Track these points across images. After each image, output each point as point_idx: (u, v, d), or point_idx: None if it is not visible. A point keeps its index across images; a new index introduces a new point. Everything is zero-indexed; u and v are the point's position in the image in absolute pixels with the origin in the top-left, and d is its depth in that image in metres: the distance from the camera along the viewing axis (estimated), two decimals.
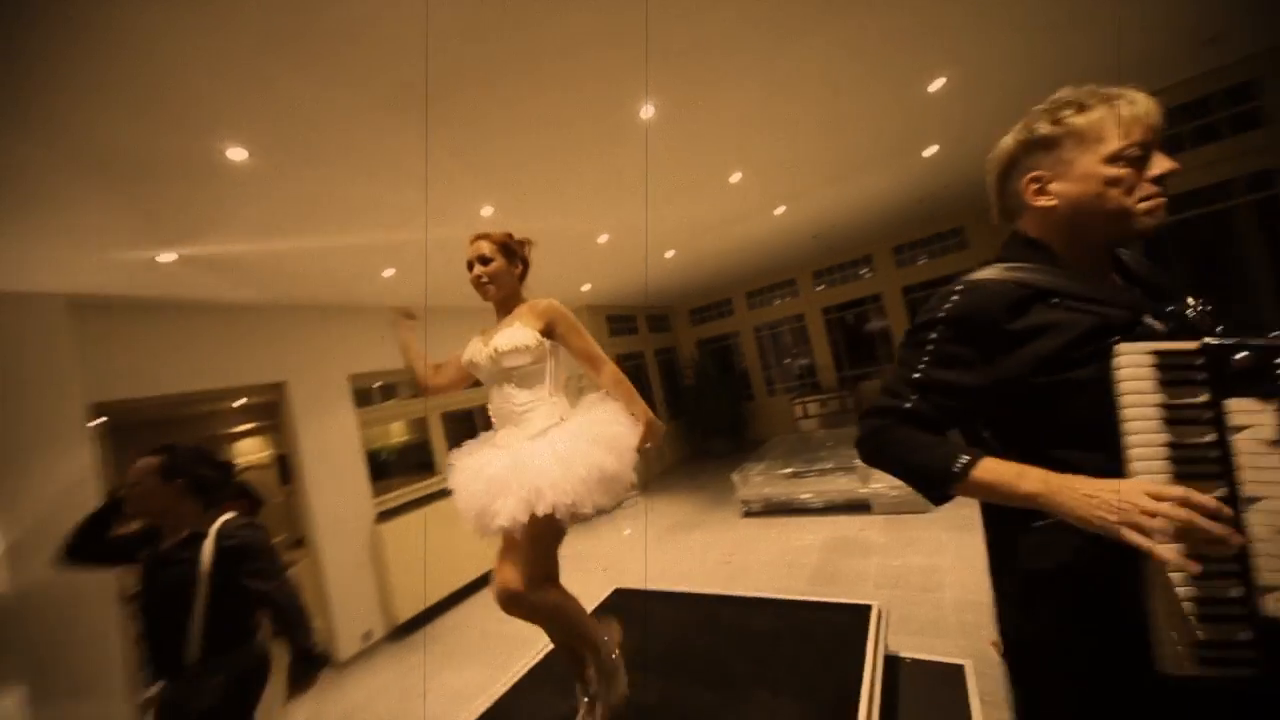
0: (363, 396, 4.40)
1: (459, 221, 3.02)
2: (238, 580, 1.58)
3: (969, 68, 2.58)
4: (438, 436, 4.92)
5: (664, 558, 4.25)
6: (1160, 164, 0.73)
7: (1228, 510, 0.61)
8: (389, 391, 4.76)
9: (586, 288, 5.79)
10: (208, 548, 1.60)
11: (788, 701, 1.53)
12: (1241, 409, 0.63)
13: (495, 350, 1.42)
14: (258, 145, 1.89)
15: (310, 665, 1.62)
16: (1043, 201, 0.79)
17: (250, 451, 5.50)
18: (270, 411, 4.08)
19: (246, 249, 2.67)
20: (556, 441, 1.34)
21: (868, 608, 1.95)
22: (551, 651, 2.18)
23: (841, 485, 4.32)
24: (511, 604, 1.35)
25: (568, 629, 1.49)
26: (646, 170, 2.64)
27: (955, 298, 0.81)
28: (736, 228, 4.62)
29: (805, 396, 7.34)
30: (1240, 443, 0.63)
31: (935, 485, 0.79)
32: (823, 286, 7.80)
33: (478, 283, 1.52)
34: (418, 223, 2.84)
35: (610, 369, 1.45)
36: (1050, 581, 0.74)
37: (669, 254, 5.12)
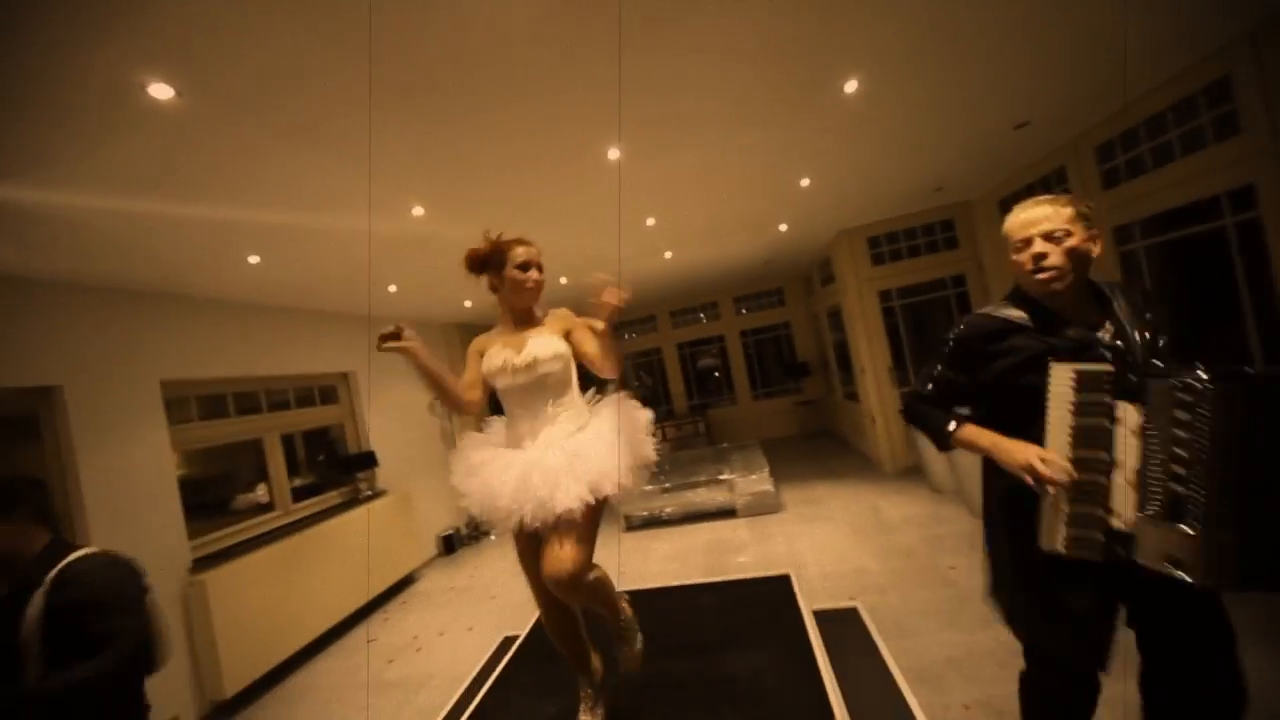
0: (181, 409, 3.43)
1: (389, 216, 2.78)
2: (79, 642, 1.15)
3: (827, 176, 3.55)
4: (276, 462, 4.05)
5: None
6: (1035, 248, 1.16)
7: (1068, 466, 1.07)
8: (217, 406, 3.77)
9: (468, 304, 5.56)
10: (37, 602, 1.15)
11: (755, 654, 1.86)
12: (1124, 409, 1.08)
13: (535, 359, 1.49)
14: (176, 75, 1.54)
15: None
16: (1015, 273, 1.24)
17: None
18: (26, 426, 2.88)
19: (60, 201, 1.98)
20: (603, 435, 1.47)
21: (786, 576, 2.43)
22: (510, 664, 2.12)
23: (712, 496, 4.96)
24: (573, 587, 1.40)
25: (607, 600, 1.57)
26: (620, 206, 2.88)
27: (960, 326, 1.27)
28: (631, 264, 5.10)
29: (663, 421, 8.09)
30: (1118, 429, 1.09)
31: (939, 441, 1.27)
32: (678, 326, 8.83)
33: (528, 285, 1.56)
34: (327, 205, 2.52)
35: (612, 357, 1.53)
36: (1005, 498, 1.24)
37: (562, 280, 5.31)
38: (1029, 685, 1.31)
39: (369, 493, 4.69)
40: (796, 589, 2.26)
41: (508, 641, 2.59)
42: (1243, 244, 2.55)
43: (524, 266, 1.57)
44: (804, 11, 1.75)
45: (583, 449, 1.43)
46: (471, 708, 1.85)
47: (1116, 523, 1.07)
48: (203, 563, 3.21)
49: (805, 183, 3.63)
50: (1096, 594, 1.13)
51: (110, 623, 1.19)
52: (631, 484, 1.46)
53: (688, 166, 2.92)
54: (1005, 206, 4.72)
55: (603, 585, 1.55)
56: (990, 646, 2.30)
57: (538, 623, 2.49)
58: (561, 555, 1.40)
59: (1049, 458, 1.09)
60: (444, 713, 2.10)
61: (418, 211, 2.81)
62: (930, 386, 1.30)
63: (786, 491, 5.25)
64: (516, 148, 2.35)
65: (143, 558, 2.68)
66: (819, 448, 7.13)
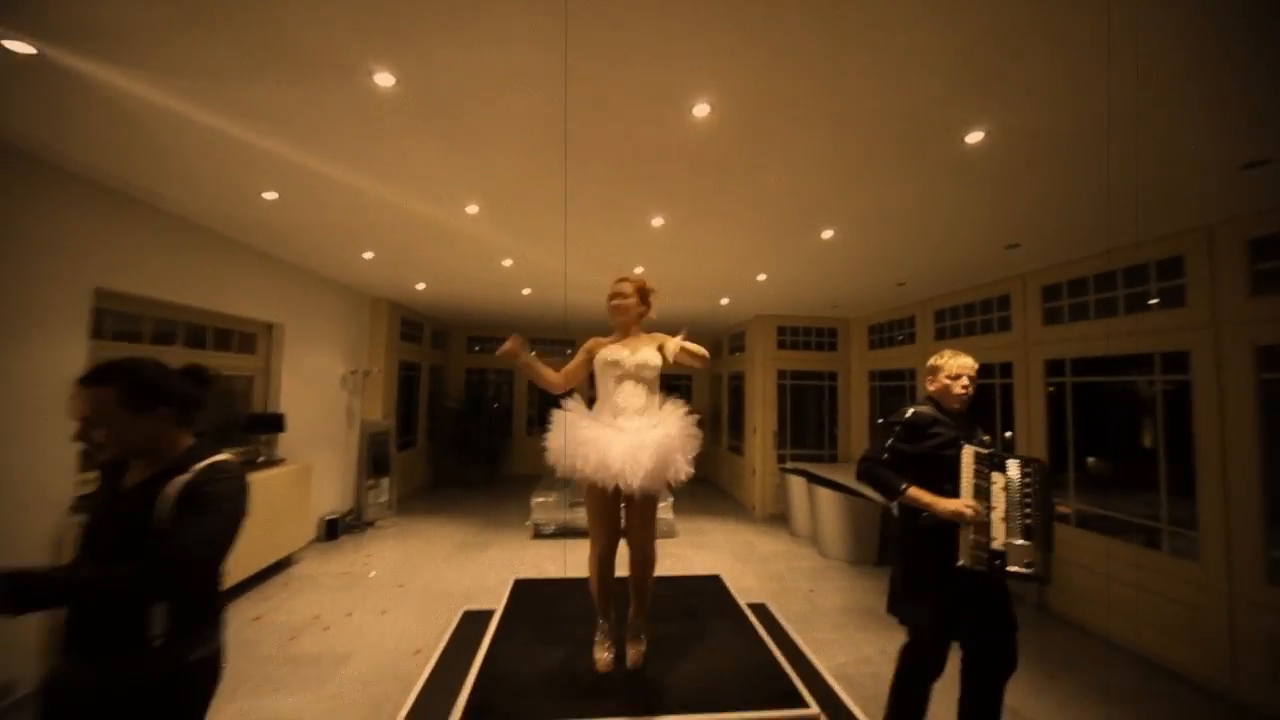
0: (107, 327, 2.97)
1: (439, 205, 3.01)
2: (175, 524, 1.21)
3: (778, 277, 4.63)
4: None
5: (465, 574, 4.33)
6: (963, 380, 2.08)
7: (980, 510, 1.92)
8: (131, 330, 3.28)
9: (421, 286, 5.50)
10: (178, 483, 1.22)
11: (712, 623, 2.49)
12: (996, 475, 1.99)
13: (643, 362, 2.04)
14: None
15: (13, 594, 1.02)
16: (931, 389, 2.16)
17: None
18: None
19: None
20: (673, 434, 2.02)
21: (717, 576, 3.12)
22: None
23: None
24: (650, 559, 1.92)
25: (650, 565, 2.06)
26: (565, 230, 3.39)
27: (908, 414, 2.09)
28: (590, 297, 5.63)
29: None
30: (993, 488, 1.98)
31: (890, 494, 2.02)
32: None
33: (616, 309, 2.12)
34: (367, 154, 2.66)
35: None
36: (927, 534, 2.00)
37: (525, 291, 5.61)
38: (911, 653, 2.05)
39: (264, 459, 4.28)
40: (728, 585, 2.96)
41: (471, 615, 2.80)
42: (1167, 400, 3.23)
43: (612, 296, 2.14)
44: (810, 178, 2.67)
45: (663, 440, 1.95)
46: (479, 659, 2.12)
47: (995, 545, 1.89)
48: (85, 500, 2.78)
49: (761, 277, 4.67)
50: (953, 601, 1.94)
51: (207, 510, 1.23)
52: (685, 478, 2.02)
53: (690, 239, 3.67)
54: (873, 330, 6.41)
55: (654, 553, 2.06)
56: (843, 640, 3.24)
57: (511, 594, 2.79)
58: (646, 517, 1.90)
59: (970, 505, 1.89)
60: (430, 666, 2.28)
61: (471, 210, 3.10)
62: (885, 455, 2.06)
63: (678, 522, 6.03)
64: (571, 192, 2.84)
65: (26, 485, 2.38)
66: (700, 491, 8.14)
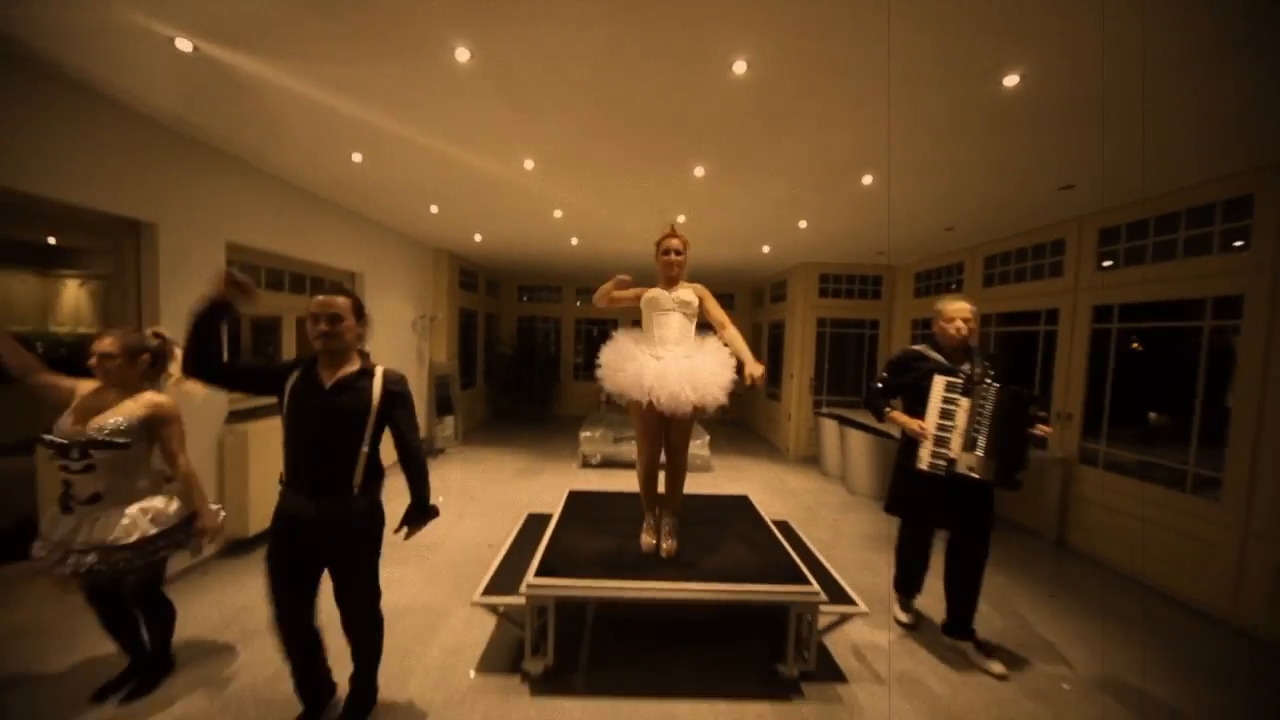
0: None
1: (497, 159, 3.34)
2: (393, 422, 1.82)
3: (818, 223, 4.70)
4: (290, 341, 4.29)
5: (524, 491, 5.00)
6: (957, 323, 2.40)
7: (931, 430, 2.35)
8: (252, 277, 3.91)
9: (478, 237, 5.95)
10: (377, 386, 1.80)
11: (740, 528, 2.92)
12: (962, 400, 2.36)
13: (679, 299, 2.36)
14: None
15: (423, 513, 1.90)
16: (934, 330, 2.50)
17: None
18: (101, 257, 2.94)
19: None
20: (710, 363, 2.34)
21: (745, 496, 3.54)
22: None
23: None
24: (682, 470, 2.40)
25: (683, 473, 2.50)
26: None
27: (899, 353, 2.49)
28: (641, 242, 5.89)
29: None
30: (958, 410, 2.36)
31: (878, 417, 2.48)
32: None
33: (669, 263, 2.42)
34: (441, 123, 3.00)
35: (732, 328, 2.47)
36: (908, 447, 2.45)
37: (574, 241, 5.94)
38: (903, 538, 2.61)
39: None
40: (757, 505, 3.37)
41: (534, 517, 3.37)
42: (1211, 348, 3.13)
43: (666, 251, 2.43)
44: (848, 128, 2.78)
45: (701, 367, 2.29)
46: (545, 541, 2.65)
47: (950, 454, 2.34)
48: (233, 416, 3.51)
49: (802, 224, 4.76)
50: (936, 498, 2.41)
51: (412, 414, 1.87)
52: (725, 400, 2.36)
53: (731, 188, 3.83)
54: (920, 277, 6.33)
55: (685, 466, 2.49)
56: (860, 560, 3.63)
57: (567, 501, 3.32)
58: (682, 435, 2.31)
59: (920, 423, 2.37)
60: (504, 550, 2.86)
61: (528, 165, 3.41)
62: (879, 385, 2.53)
63: (715, 460, 6.49)
64: (617, 148, 3.08)
65: (194, 400, 3.05)
66: (737, 434, 8.56)
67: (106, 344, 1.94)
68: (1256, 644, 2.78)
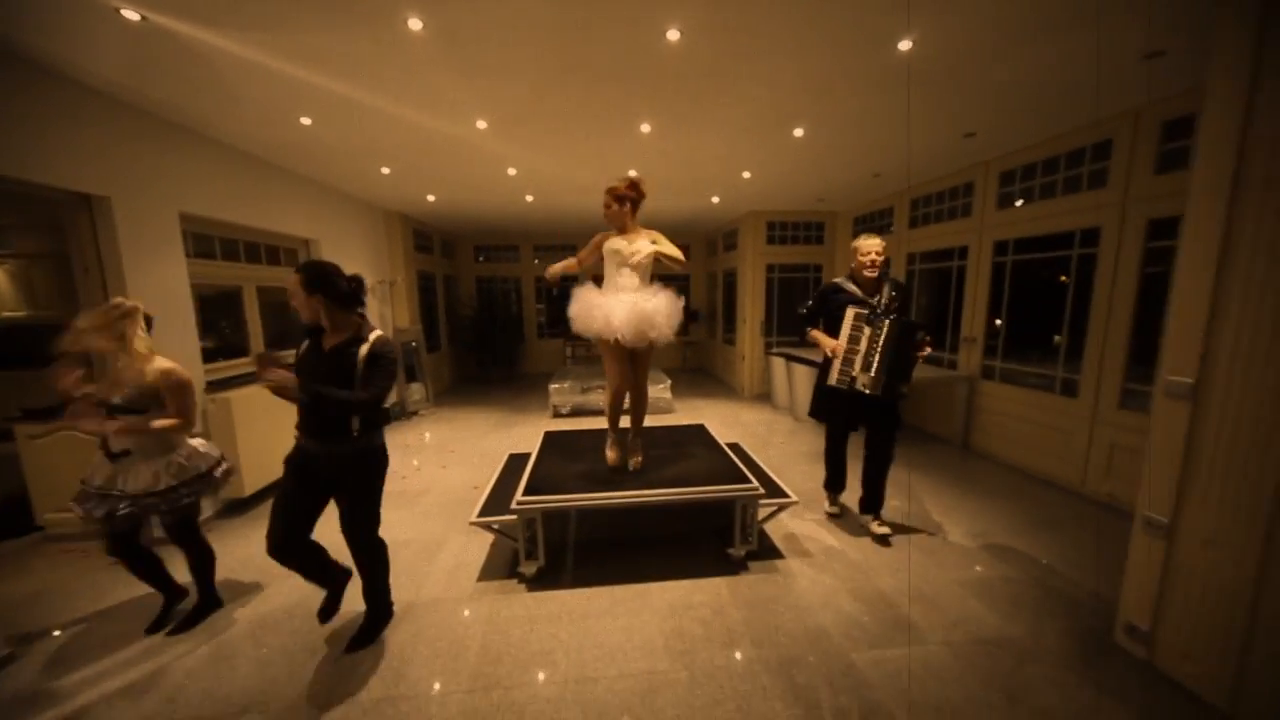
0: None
1: (451, 119, 3.44)
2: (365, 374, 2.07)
3: (762, 174, 5.01)
4: (253, 311, 4.33)
5: (502, 442, 5.36)
6: (869, 258, 2.86)
7: (841, 349, 2.88)
8: (206, 247, 3.90)
9: (431, 198, 5.93)
10: (363, 350, 2.03)
11: (697, 449, 3.40)
12: (866, 330, 2.85)
13: (635, 250, 2.69)
14: None
15: (302, 389, 1.89)
16: (852, 265, 2.96)
17: None
18: (59, 231, 2.91)
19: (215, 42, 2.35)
20: (664, 306, 2.70)
21: (701, 425, 4.03)
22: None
23: None
24: (644, 395, 2.78)
25: (645, 401, 2.91)
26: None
27: (823, 286, 2.96)
28: (581, 197, 6.04)
29: (574, 341, 9.28)
30: (862, 337, 2.85)
31: (803, 338, 2.98)
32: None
33: (606, 214, 2.71)
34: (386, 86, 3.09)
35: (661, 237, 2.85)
36: (825, 365, 2.95)
37: (529, 199, 6.02)
38: (828, 443, 3.20)
39: None
40: (714, 431, 3.87)
41: (514, 457, 3.75)
42: (1078, 273, 3.82)
43: (615, 199, 2.72)
44: (778, 88, 3.08)
45: (661, 307, 2.66)
46: (528, 469, 3.05)
47: (853, 373, 2.86)
48: (211, 386, 3.63)
49: (746, 175, 5.06)
50: (847, 406, 2.95)
51: (384, 375, 2.11)
52: (673, 337, 2.75)
53: (676, 143, 4.08)
54: (858, 221, 6.83)
55: (647, 392, 2.89)
56: (803, 471, 4.25)
57: (544, 440, 3.72)
58: (643, 366, 2.71)
59: (833, 345, 2.86)
60: (492, 481, 3.24)
61: (481, 125, 3.52)
62: (805, 311, 3.02)
63: (676, 402, 7.01)
64: (568, 109, 3.27)
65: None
66: (697, 379, 9.12)
67: (81, 322, 2.08)
68: (1098, 506, 3.57)
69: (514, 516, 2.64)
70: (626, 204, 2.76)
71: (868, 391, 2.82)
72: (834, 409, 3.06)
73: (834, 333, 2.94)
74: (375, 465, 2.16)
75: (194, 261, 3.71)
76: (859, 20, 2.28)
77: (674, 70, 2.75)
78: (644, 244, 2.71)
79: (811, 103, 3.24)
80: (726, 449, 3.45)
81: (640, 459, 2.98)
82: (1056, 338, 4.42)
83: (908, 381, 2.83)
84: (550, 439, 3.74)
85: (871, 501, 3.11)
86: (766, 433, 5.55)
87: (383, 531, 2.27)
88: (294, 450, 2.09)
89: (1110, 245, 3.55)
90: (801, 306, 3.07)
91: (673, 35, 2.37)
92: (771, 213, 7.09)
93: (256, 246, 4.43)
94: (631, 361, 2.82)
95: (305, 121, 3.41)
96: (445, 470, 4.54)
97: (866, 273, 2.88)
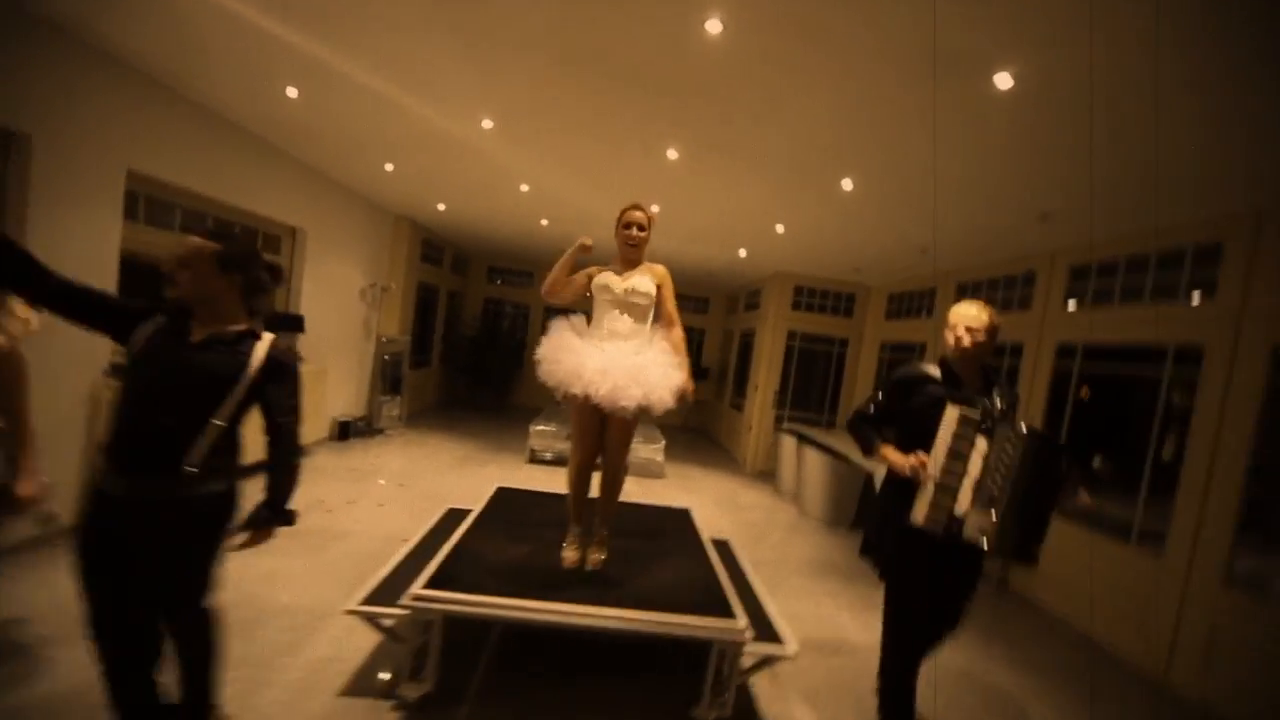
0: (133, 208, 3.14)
1: (456, 117, 3.00)
2: (265, 397, 1.51)
3: (796, 230, 4.50)
4: None
5: (462, 484, 4.64)
6: (959, 331, 1.87)
7: (934, 471, 1.80)
8: (165, 216, 3.44)
9: (441, 207, 5.55)
10: (260, 351, 1.50)
11: (671, 543, 2.66)
12: (980, 441, 1.81)
13: (632, 289, 2.07)
14: None
15: (275, 516, 1.52)
16: (943, 342, 1.96)
17: None
18: None
19: None
20: (656, 363, 2.06)
21: (686, 510, 3.28)
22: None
23: None
24: (619, 479, 2.06)
25: (619, 483, 2.21)
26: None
27: (901, 372, 1.97)
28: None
29: None
30: (973, 453, 1.80)
31: (866, 451, 1.97)
32: None
33: (630, 239, 2.11)
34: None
35: (679, 330, 2.22)
36: (902, 487, 1.85)
37: (544, 222, 5.60)
38: (894, 636, 1.91)
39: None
40: (696, 520, 3.12)
41: (454, 512, 3.04)
42: (1167, 396, 3.07)
43: (627, 225, 2.13)
44: (830, 115, 2.56)
45: (646, 366, 2.01)
46: (450, 545, 2.34)
47: (957, 510, 1.75)
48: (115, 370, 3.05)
49: (780, 229, 4.55)
50: (935, 560, 1.82)
51: (295, 393, 1.56)
52: (669, 404, 2.08)
53: (706, 176, 3.58)
54: (892, 299, 6.24)
55: (623, 475, 2.20)
56: (801, 588, 3.42)
57: (492, 498, 3.01)
58: (621, 439, 2.03)
59: (916, 460, 1.76)
60: (408, 548, 2.52)
61: (487, 124, 3.07)
62: (873, 409, 1.93)
63: (669, 466, 6.25)
64: (580, 112, 2.79)
65: (67, 344, 2.60)
66: (697, 443, 8.34)
67: None
68: (1187, 710, 2.67)
69: (406, 612, 1.92)
70: (643, 236, 2.16)
71: (985, 545, 1.72)
72: (914, 561, 1.83)
73: (910, 445, 1.83)
74: (217, 518, 1.50)
75: (141, 228, 3.24)
76: (951, 36, 1.75)
77: (711, 75, 2.24)
78: (642, 279, 2.11)
79: (870, 145, 2.71)
80: (711, 549, 2.70)
81: (601, 557, 2.26)
82: (1097, 460, 3.63)
83: (1043, 538, 1.78)
84: (501, 499, 3.04)
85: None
86: (764, 523, 4.74)
87: (263, 586, 1.61)
88: (90, 488, 1.43)
89: (1218, 369, 2.85)
90: (866, 402, 1.97)
91: (713, 27, 1.87)
92: (801, 276, 6.56)
93: (230, 226, 3.98)
94: (605, 429, 2.16)
95: (291, 93, 2.99)
96: (382, 510, 3.83)
97: (956, 354, 1.85)
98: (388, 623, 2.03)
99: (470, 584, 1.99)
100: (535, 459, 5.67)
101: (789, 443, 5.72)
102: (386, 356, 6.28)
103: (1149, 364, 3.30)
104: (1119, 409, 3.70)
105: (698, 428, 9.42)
